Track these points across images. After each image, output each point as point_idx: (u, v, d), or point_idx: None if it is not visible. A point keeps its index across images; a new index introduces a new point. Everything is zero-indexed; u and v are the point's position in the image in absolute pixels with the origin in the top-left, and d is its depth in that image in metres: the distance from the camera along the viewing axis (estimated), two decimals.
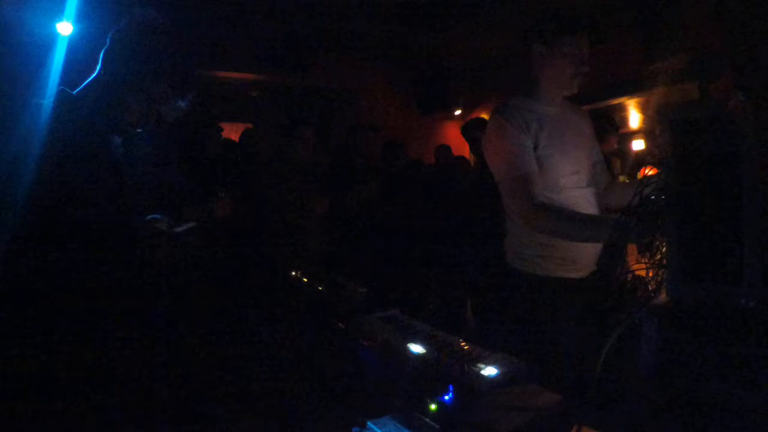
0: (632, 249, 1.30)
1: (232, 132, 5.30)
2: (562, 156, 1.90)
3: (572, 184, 1.92)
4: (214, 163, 3.65)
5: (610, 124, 3.91)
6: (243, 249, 3.11)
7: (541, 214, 1.76)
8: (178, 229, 1.51)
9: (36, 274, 1.26)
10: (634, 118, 5.43)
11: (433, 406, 1.13)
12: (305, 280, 1.98)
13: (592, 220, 1.78)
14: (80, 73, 1.52)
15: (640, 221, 1.13)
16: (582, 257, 1.91)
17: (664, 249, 1.06)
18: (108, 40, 1.48)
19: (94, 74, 1.49)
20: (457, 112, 6.71)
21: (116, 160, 1.50)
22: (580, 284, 1.91)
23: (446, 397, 1.13)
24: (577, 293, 1.88)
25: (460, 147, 5.39)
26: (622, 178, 3.79)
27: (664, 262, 1.05)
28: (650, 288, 1.07)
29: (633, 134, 5.28)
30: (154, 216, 1.49)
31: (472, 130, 3.96)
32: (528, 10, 2.00)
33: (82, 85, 1.49)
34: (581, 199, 1.91)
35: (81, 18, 3.47)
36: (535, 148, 1.87)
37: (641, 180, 1.13)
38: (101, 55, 1.48)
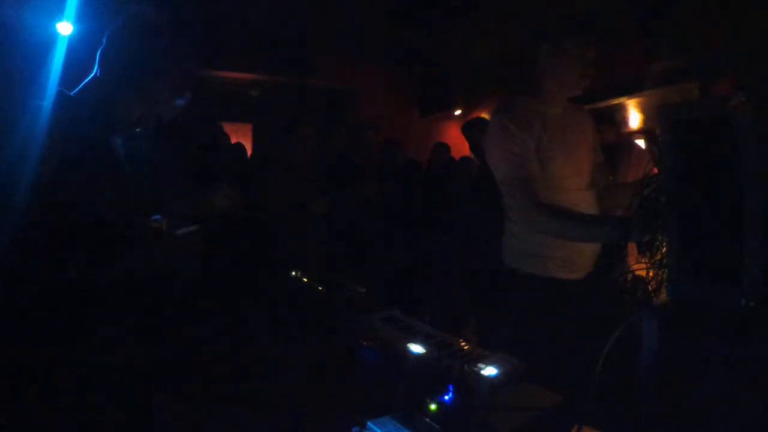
0: (632, 249, 1.30)
1: (232, 132, 5.31)
2: (565, 157, 1.90)
3: (574, 186, 1.91)
4: (215, 161, 3.64)
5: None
6: (243, 249, 3.11)
7: (543, 214, 1.76)
8: (180, 231, 1.50)
9: (36, 275, 1.26)
10: (634, 118, 5.42)
11: (433, 406, 1.13)
12: (305, 280, 1.98)
13: (593, 221, 1.77)
14: (80, 74, 1.51)
15: (640, 221, 1.13)
16: (580, 258, 1.91)
17: (664, 249, 1.06)
18: (104, 39, 1.45)
19: (92, 74, 1.47)
20: (457, 112, 6.71)
21: (117, 161, 1.49)
22: (579, 285, 1.91)
23: (446, 397, 1.13)
24: (575, 295, 1.88)
25: (460, 147, 5.39)
26: None
27: (664, 262, 1.05)
28: (650, 288, 1.07)
29: (633, 134, 5.28)
30: (156, 217, 1.48)
31: (472, 129, 3.96)
32: (533, 11, 1.99)
33: (80, 86, 1.47)
34: (582, 200, 1.91)
35: (81, 18, 3.47)
36: (538, 148, 1.86)
37: (641, 180, 1.13)
38: (98, 55, 1.45)
